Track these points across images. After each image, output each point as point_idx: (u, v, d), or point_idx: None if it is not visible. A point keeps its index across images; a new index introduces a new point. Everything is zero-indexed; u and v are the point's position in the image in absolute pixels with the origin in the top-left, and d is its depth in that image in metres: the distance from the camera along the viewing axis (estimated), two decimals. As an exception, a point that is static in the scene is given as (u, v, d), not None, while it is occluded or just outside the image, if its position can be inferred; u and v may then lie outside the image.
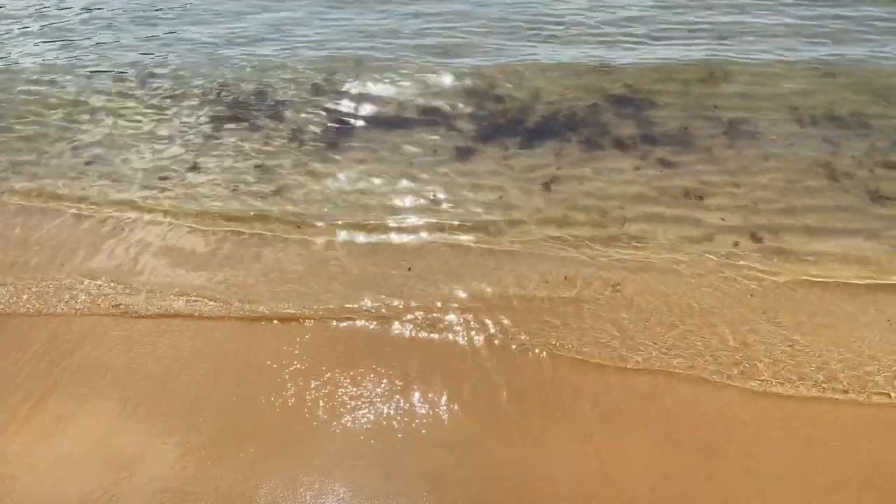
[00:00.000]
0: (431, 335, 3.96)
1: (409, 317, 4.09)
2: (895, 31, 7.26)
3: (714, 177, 5.19)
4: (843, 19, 7.53)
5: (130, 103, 6.88)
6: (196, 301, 4.27)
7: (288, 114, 6.49)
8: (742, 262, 4.36)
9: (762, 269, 4.31)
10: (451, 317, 4.07)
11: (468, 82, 6.72)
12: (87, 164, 5.93)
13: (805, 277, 4.21)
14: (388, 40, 7.76)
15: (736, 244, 4.54)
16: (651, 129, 5.81)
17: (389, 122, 6.24)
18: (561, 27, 7.80)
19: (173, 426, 3.48)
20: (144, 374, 3.80)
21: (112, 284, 4.47)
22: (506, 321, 4.02)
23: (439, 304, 4.17)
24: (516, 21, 8.05)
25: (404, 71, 7.02)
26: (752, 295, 4.11)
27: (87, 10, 9.53)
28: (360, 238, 4.83)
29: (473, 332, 3.96)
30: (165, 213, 5.20)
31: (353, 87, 6.82)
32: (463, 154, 5.72)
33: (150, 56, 7.86)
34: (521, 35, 7.72)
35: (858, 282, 4.16)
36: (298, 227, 4.98)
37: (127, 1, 9.73)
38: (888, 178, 5.05)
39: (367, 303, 4.21)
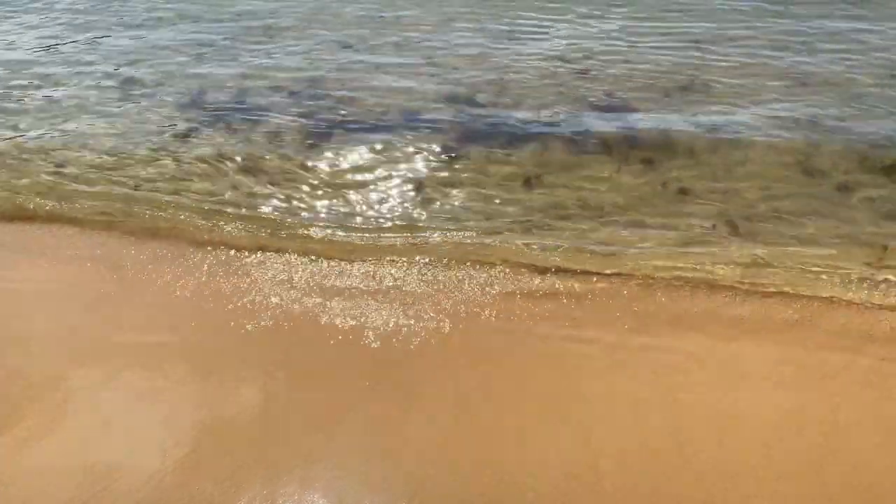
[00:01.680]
0: (404, 336, 3.87)
1: (383, 322, 4.00)
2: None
3: (696, 182, 5.14)
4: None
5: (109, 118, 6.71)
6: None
7: (268, 118, 6.41)
8: (728, 262, 4.33)
9: (745, 270, 4.26)
10: (424, 317, 3.98)
11: (452, 88, 6.69)
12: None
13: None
14: (370, 47, 7.76)
15: (718, 237, 4.54)
16: (632, 132, 5.78)
17: (372, 124, 6.20)
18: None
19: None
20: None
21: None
22: (485, 319, 3.94)
23: (408, 307, 4.08)
24: (501, 30, 8.06)
25: (387, 76, 6.98)
26: (732, 298, 4.05)
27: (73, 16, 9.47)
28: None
29: (449, 333, 3.87)
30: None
31: (334, 92, 6.74)
32: (446, 155, 5.69)
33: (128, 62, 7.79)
34: (504, 39, 7.72)
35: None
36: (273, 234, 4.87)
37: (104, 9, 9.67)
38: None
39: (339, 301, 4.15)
